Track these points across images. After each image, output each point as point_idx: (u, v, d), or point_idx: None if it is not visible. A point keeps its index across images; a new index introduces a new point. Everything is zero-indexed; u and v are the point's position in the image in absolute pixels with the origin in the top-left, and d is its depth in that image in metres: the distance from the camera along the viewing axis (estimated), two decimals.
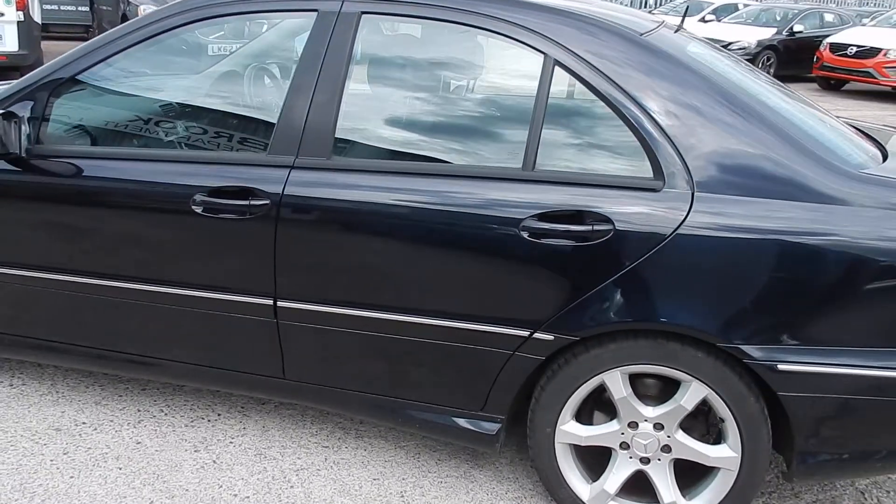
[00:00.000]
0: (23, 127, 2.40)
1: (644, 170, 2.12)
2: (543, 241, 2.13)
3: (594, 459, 2.37)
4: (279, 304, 2.35)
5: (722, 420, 2.19)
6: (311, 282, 2.31)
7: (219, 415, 2.82)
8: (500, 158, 2.25)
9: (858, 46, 12.92)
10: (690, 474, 2.29)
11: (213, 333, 2.45)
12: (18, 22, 7.81)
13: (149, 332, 2.51)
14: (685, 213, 2.06)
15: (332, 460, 2.61)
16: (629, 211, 2.09)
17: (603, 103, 2.15)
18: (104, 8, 10.64)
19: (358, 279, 2.28)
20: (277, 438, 2.70)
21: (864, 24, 14.66)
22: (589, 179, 2.14)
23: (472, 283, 2.21)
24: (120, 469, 2.48)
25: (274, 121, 2.33)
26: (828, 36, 13.86)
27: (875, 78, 12.79)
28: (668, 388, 2.24)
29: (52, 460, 2.50)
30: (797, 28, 14.41)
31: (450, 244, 2.20)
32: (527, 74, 2.21)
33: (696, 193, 2.07)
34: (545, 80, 2.17)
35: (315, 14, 2.33)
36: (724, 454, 2.20)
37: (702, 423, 2.29)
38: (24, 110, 2.43)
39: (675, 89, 2.13)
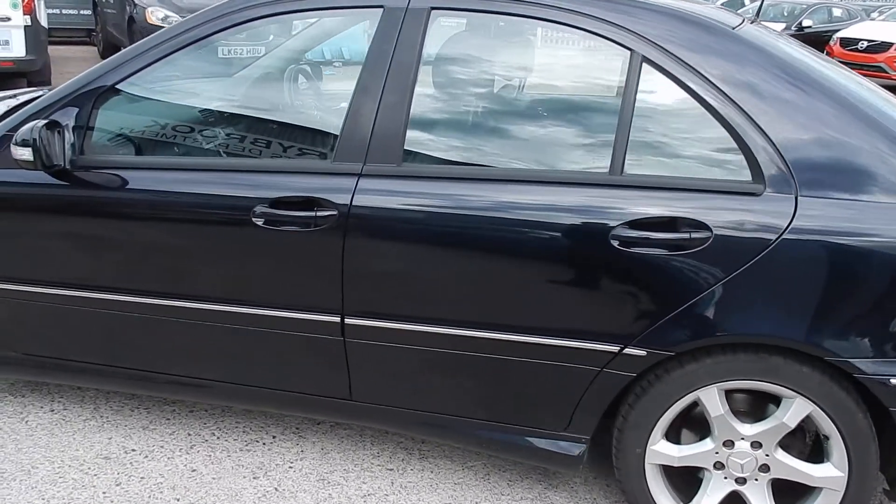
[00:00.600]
0: (66, 136, 2.25)
1: (743, 172, 1.98)
2: (634, 250, 1.99)
3: (681, 480, 2.23)
4: (347, 321, 2.20)
5: (826, 437, 2.05)
6: (383, 297, 2.17)
7: (273, 437, 2.68)
8: (584, 163, 2.12)
9: (869, 41, 12.81)
10: (788, 494, 2.16)
11: (275, 354, 2.31)
12: (25, 26, 7.62)
13: (208, 353, 2.36)
14: (790, 218, 1.92)
15: (399, 484, 2.47)
16: (729, 217, 1.95)
17: (695, 101, 2.01)
18: (108, 11, 10.44)
19: (433, 294, 2.14)
20: (338, 461, 2.56)
21: (872, 19, 14.57)
22: (683, 184, 2.00)
23: (558, 297, 2.07)
24: (178, 500, 2.34)
25: (337, 125, 2.19)
26: (837, 31, 13.75)
27: (886, 72, 12.67)
28: (762, 404, 2.11)
29: (104, 492, 2.36)
30: (806, 23, 14.31)
31: (532, 255, 2.06)
32: (611, 72, 2.07)
33: (799, 197, 1.94)
34: (632, 78, 2.03)
35: (381, 10, 2.19)
36: (830, 473, 2.06)
37: (800, 441, 2.16)
38: (66, 119, 2.29)
39: (773, 86, 2.00)
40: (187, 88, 2.43)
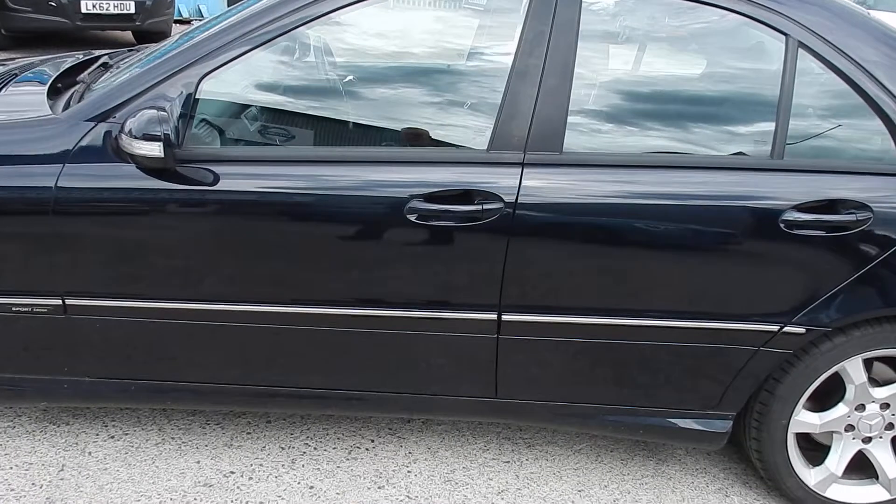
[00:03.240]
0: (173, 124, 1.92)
1: (892, 154, 2.08)
2: (800, 232, 2.05)
3: (804, 444, 2.36)
4: (504, 317, 2.10)
5: None
6: (543, 291, 2.08)
7: (372, 441, 2.52)
8: (744, 147, 2.13)
9: None
10: None
11: (421, 358, 2.16)
12: None
13: (343, 362, 2.16)
14: None
15: (524, 476, 2.42)
16: (886, 197, 2.05)
17: (849, 87, 2.07)
18: None
19: (595, 284, 2.08)
20: (452, 459, 2.46)
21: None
22: (842, 167, 2.08)
23: (721, 281, 2.08)
24: None
25: (488, 111, 2.05)
26: None
27: None
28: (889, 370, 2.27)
29: None
30: None
31: (698, 240, 2.06)
32: (770, 57, 2.09)
33: None
34: (790, 63, 2.06)
35: None
36: None
37: None
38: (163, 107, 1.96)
39: None
40: (303, 70, 2.15)
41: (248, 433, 2.50)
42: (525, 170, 2.02)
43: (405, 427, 2.61)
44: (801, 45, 2.07)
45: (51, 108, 2.16)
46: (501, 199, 2.01)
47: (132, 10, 8.41)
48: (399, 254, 2.04)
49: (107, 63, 2.62)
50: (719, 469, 2.54)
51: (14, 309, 2.08)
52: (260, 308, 2.09)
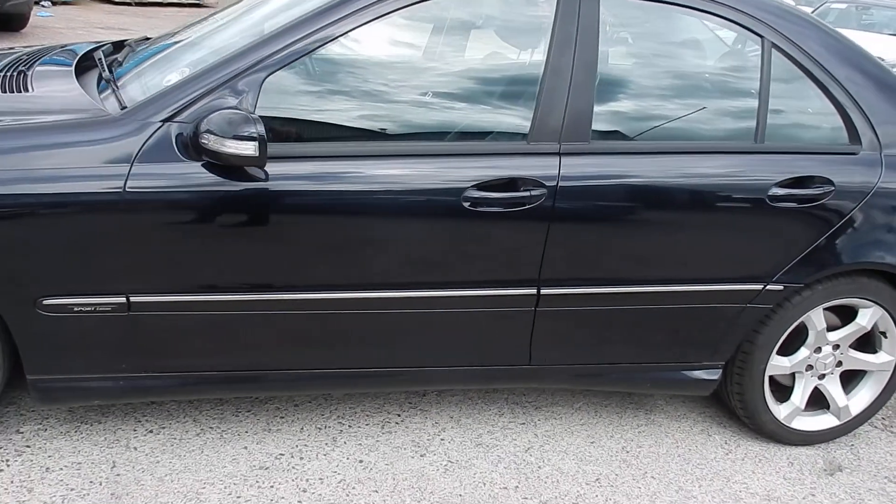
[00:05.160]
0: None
1: (844, 137, 2.51)
2: (781, 205, 2.43)
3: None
4: (542, 291, 2.35)
5: (883, 333, 2.73)
6: (577, 266, 2.34)
7: (399, 415, 2.69)
8: (732, 133, 2.47)
9: None
10: (847, 380, 2.81)
11: (470, 332, 2.36)
12: None
13: (406, 339, 2.33)
14: (878, 175, 2.51)
15: (541, 434, 2.68)
16: (844, 173, 2.47)
17: (811, 81, 2.48)
18: None
19: (619, 256, 2.37)
20: (474, 425, 2.68)
21: None
22: (810, 148, 2.48)
23: (719, 249, 2.43)
24: (375, 492, 2.31)
25: (524, 105, 2.27)
26: None
27: None
28: (841, 316, 2.71)
29: (299, 501, 2.23)
30: None
31: (702, 216, 2.39)
32: (750, 57, 2.46)
33: (884, 155, 2.52)
34: (766, 61, 2.44)
35: None
36: (884, 359, 2.75)
37: (856, 341, 2.79)
38: (233, 103, 2.05)
39: (854, 65, 2.54)
40: (376, 68, 2.26)
41: (282, 417, 2.60)
42: (563, 158, 2.27)
43: (423, 400, 2.79)
44: (774, 46, 2.45)
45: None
46: (544, 185, 2.25)
47: None
48: (456, 239, 2.24)
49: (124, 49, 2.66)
50: (696, 414, 2.92)
51: (76, 309, 2.08)
52: (345, 295, 2.23)
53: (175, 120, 2.05)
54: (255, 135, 1.93)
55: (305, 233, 2.15)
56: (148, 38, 3.04)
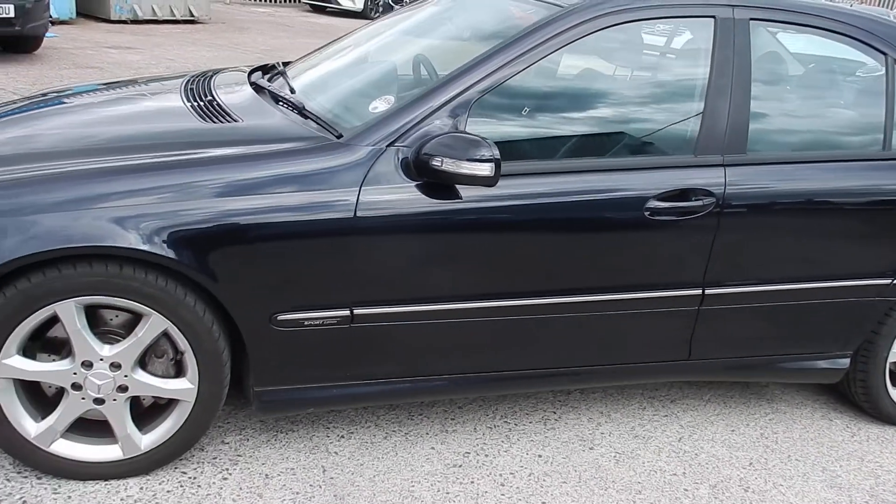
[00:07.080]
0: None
1: None
2: None
3: None
4: (707, 291, 2.56)
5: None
6: (738, 267, 2.58)
7: (554, 412, 2.89)
8: (863, 143, 2.73)
9: None
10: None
11: (643, 331, 2.57)
12: None
13: (586, 340, 2.53)
14: None
15: (686, 425, 2.90)
16: None
17: None
18: None
19: (778, 257, 2.60)
20: (625, 420, 2.89)
21: None
22: None
23: (862, 247, 2.70)
24: (563, 483, 2.50)
25: (694, 122, 2.50)
26: None
27: None
28: None
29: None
30: None
31: (847, 218, 2.65)
32: (873, 73, 2.71)
33: None
34: (891, 75, 2.70)
35: (712, 21, 2.52)
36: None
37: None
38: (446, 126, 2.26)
39: None
40: (557, 92, 2.47)
41: (452, 419, 2.78)
42: (727, 169, 2.49)
43: (571, 398, 2.99)
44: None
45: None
46: (713, 194, 2.47)
47: (11, 14, 7.76)
48: (636, 246, 2.45)
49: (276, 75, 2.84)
50: (812, 401, 3.17)
51: (306, 323, 2.23)
52: (543, 301, 2.44)
53: (395, 144, 2.23)
54: (490, 157, 2.11)
55: (522, 244, 2.36)
56: (288, 63, 3.19)
